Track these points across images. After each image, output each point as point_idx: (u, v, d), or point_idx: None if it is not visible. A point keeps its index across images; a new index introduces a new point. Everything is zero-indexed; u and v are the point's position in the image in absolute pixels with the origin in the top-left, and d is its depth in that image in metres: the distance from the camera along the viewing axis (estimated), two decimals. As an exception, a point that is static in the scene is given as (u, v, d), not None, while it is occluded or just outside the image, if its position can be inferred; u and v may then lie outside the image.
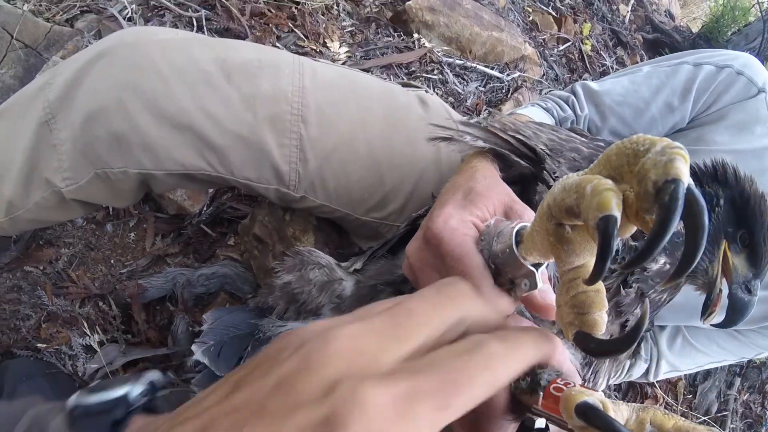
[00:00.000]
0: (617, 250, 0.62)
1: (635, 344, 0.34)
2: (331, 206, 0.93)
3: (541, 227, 0.38)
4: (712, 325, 0.72)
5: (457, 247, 0.47)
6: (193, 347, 0.75)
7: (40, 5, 1.51)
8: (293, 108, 0.84)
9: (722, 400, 2.12)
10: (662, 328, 1.07)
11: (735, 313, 0.69)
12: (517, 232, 0.43)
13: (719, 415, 2.07)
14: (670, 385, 1.98)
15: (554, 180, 0.64)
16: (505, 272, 0.44)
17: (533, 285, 0.43)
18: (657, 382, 1.88)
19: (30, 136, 0.79)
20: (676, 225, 0.29)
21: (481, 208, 0.52)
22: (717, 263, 0.68)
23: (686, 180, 0.29)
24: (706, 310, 0.69)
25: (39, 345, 1.16)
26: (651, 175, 0.30)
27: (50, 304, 1.21)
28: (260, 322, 0.77)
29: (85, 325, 1.16)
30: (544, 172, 0.64)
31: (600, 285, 0.37)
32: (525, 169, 0.67)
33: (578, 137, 0.74)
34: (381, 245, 0.76)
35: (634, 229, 0.33)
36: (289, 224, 1.05)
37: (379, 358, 0.27)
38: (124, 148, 0.78)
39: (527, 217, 0.52)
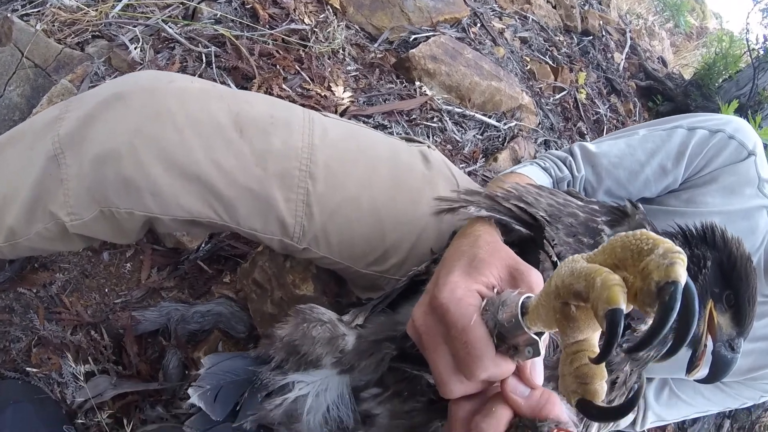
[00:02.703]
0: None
1: (631, 412, 0.39)
2: (332, 258, 0.94)
3: (547, 303, 0.43)
4: (695, 380, 0.76)
5: (461, 318, 0.49)
6: (190, 391, 0.75)
7: (53, 25, 1.53)
8: (302, 164, 0.87)
9: (712, 440, 2.13)
10: (650, 380, 1.09)
11: (718, 370, 0.73)
12: (522, 303, 0.47)
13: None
14: (659, 429, 1.99)
15: (553, 247, 0.68)
16: (509, 339, 0.48)
17: (536, 352, 0.47)
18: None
19: (37, 169, 0.79)
20: (674, 321, 0.34)
21: (486, 274, 0.54)
22: (703, 322, 0.72)
23: (684, 281, 0.34)
24: (692, 365, 0.73)
25: (28, 369, 1.16)
26: (654, 276, 0.35)
27: (42, 329, 1.20)
28: (258, 370, 0.77)
29: (77, 353, 1.16)
30: (544, 240, 0.68)
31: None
32: (525, 234, 0.70)
33: (575, 201, 0.77)
34: (381, 300, 0.77)
35: (631, 307, 0.38)
36: (289, 271, 1.06)
37: None
38: (132, 191, 0.79)
39: (532, 277, 0.54)
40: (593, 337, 0.42)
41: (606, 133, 2.85)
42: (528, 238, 0.71)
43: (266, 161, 0.84)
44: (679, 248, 0.36)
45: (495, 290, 0.54)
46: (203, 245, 1.37)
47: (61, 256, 1.30)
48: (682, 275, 0.34)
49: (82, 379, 1.12)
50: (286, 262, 1.09)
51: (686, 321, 0.36)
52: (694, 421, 2.07)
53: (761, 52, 3.41)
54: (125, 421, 1.09)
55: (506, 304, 0.48)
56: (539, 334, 0.46)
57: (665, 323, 0.34)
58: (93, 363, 1.18)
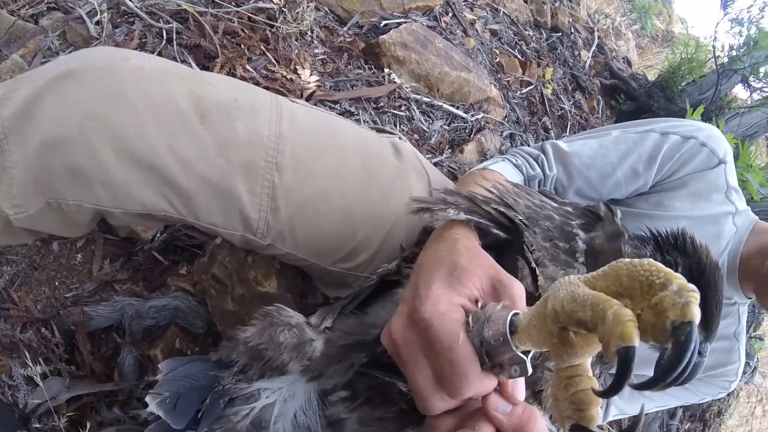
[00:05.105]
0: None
1: None
2: (298, 255, 0.90)
3: (541, 326, 0.42)
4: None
5: (446, 334, 0.47)
6: (147, 398, 0.70)
7: (6, -6, 1.43)
8: (268, 155, 0.81)
9: (665, 430, 2.20)
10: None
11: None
12: (510, 320, 0.45)
13: None
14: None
15: (531, 253, 0.66)
16: (494, 357, 0.46)
17: (524, 372, 0.45)
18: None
19: None
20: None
21: (468, 285, 0.52)
22: None
23: (698, 321, 0.34)
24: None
25: (-24, 372, 1.09)
26: (669, 314, 0.35)
27: (-11, 327, 1.13)
28: (220, 374, 0.73)
29: (27, 354, 1.09)
30: (524, 246, 0.66)
31: (595, 383, 0.42)
32: (502, 238, 0.68)
33: (550, 202, 0.76)
34: (350, 300, 0.74)
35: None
36: (252, 267, 1.01)
37: None
38: (81, 182, 0.73)
39: (515, 290, 0.52)
40: (588, 361, 0.42)
41: (569, 129, 2.90)
42: (504, 240, 0.69)
43: (229, 150, 0.78)
44: (692, 286, 0.36)
45: (479, 304, 0.51)
46: (158, 235, 1.31)
47: (8, 247, 1.23)
48: (697, 315, 0.35)
49: (39, 380, 1.05)
50: (248, 256, 1.03)
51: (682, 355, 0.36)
52: (651, 409, 2.17)
53: (726, 60, 3.56)
54: (82, 425, 1.03)
55: (491, 320, 0.47)
56: (526, 353, 0.45)
57: (680, 363, 0.35)
58: (44, 363, 1.12)
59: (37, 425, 1.06)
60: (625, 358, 0.35)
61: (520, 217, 0.68)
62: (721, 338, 1.01)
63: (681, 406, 2.29)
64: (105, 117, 0.71)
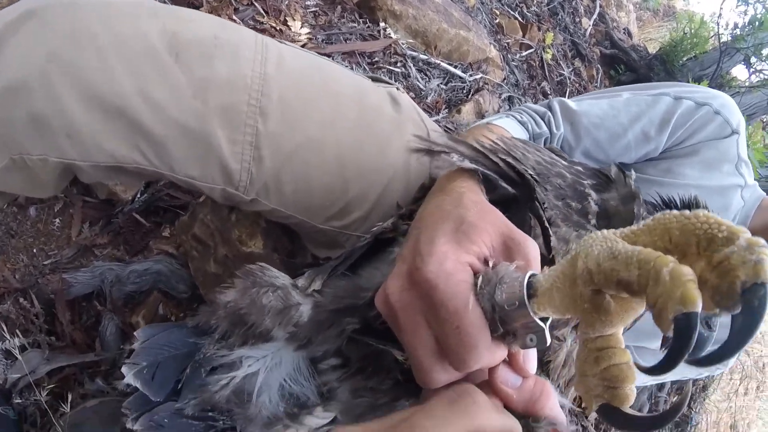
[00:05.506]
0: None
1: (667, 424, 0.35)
2: (285, 212, 0.83)
3: (568, 288, 0.36)
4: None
5: (453, 298, 0.41)
6: (124, 369, 0.64)
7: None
8: (251, 98, 0.73)
9: (653, 401, 2.21)
10: None
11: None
12: (528, 282, 0.40)
13: (649, 415, 2.16)
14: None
15: (543, 211, 0.61)
16: (506, 324, 0.41)
17: (542, 342, 0.40)
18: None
19: None
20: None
21: (477, 242, 0.45)
22: None
23: None
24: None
25: (-48, 347, 1.04)
26: (739, 273, 0.29)
27: (-35, 299, 1.08)
28: (200, 341, 0.67)
29: (4, 327, 1.04)
30: (536, 203, 0.60)
31: (629, 356, 0.36)
32: (509, 193, 0.63)
33: (560, 160, 0.72)
34: (341, 261, 0.68)
35: None
36: (235, 225, 0.94)
37: None
38: (44, 132, 0.66)
39: (530, 249, 0.46)
40: (621, 330, 0.37)
41: (567, 96, 2.86)
42: (511, 198, 0.63)
43: (207, 92, 0.71)
44: (762, 240, 0.31)
45: (490, 263, 0.45)
46: (139, 196, 1.24)
47: (-17, 215, 1.17)
48: None
49: (17, 354, 1.00)
50: (231, 214, 0.96)
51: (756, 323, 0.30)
52: (643, 381, 2.18)
53: (729, 38, 3.57)
54: (64, 398, 0.99)
55: (504, 281, 0.41)
56: (543, 320, 0.40)
57: (753, 330, 0.29)
58: (23, 335, 1.06)
59: (19, 400, 1.01)
60: (687, 326, 0.29)
61: (530, 171, 0.62)
62: None
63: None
64: (68, 58, 0.64)
